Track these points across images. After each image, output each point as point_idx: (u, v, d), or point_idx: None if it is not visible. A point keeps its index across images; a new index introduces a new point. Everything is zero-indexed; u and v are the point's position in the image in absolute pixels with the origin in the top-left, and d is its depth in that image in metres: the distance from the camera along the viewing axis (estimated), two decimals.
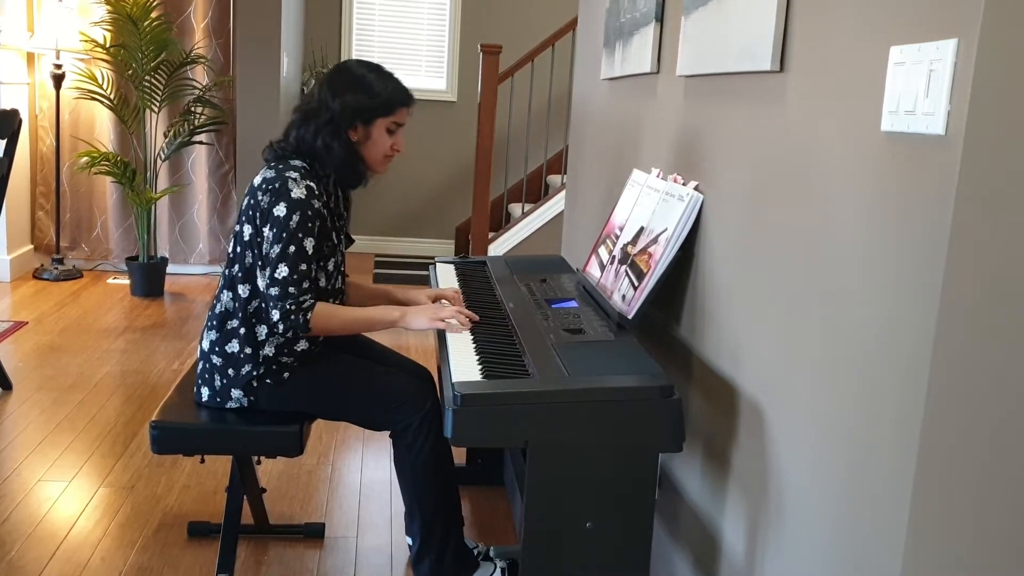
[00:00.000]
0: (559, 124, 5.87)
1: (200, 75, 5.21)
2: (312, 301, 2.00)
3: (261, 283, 2.02)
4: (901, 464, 1.16)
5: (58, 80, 5.02)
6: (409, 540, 2.19)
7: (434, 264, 2.77)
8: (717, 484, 1.83)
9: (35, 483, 2.68)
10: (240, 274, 2.06)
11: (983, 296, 1.09)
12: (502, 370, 1.79)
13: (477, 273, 2.68)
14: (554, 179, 5.72)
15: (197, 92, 5.10)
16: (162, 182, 5.30)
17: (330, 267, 2.10)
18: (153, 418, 2.05)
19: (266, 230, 1.99)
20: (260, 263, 2.02)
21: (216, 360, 2.07)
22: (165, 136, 5.09)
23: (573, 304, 2.21)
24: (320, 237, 2.02)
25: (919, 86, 1.12)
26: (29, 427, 3.08)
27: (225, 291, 2.08)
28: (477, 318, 2.11)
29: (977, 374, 1.11)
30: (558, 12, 5.94)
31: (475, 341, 1.97)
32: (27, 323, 4.30)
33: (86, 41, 4.94)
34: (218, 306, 2.08)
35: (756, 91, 1.68)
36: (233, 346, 2.06)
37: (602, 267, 2.28)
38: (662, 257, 1.92)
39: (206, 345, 2.09)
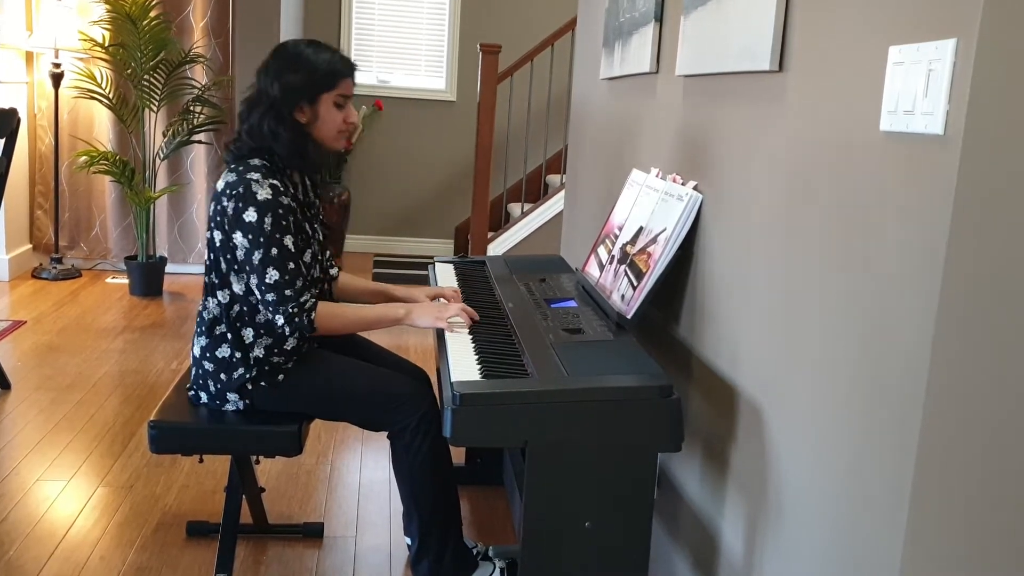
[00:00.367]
0: (558, 124, 5.87)
1: (199, 74, 5.20)
2: (313, 300, 2.00)
3: (238, 287, 2.01)
4: (900, 464, 1.16)
5: (57, 79, 5.02)
6: (408, 540, 2.19)
7: (433, 264, 2.77)
8: (716, 484, 1.83)
9: (34, 482, 2.68)
10: (218, 280, 2.04)
11: (982, 296, 1.09)
12: (501, 370, 1.79)
13: (476, 273, 2.68)
14: (553, 179, 5.72)
15: (196, 91, 5.09)
16: (161, 181, 5.30)
17: (307, 258, 2.05)
18: (152, 418, 2.05)
19: (239, 236, 1.95)
20: (235, 268, 2.00)
21: (208, 366, 2.06)
22: (164, 135, 5.09)
23: (572, 304, 2.21)
24: (296, 231, 2.00)
25: (918, 86, 1.12)
26: (28, 427, 3.07)
27: (209, 298, 2.06)
28: (478, 317, 2.11)
29: (976, 374, 1.11)
30: (557, 12, 5.94)
31: (474, 341, 1.97)
32: (26, 322, 4.29)
33: (85, 40, 4.93)
34: (205, 312, 2.07)
35: (755, 91, 1.68)
36: (224, 351, 2.05)
37: (601, 267, 2.28)
38: (661, 257, 1.92)
39: (197, 351, 2.09)
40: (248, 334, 2.04)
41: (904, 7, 1.19)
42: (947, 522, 1.15)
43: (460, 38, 6.25)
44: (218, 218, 1.99)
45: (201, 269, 5.47)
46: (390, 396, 2.07)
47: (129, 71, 4.90)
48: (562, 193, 4.97)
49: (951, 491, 1.14)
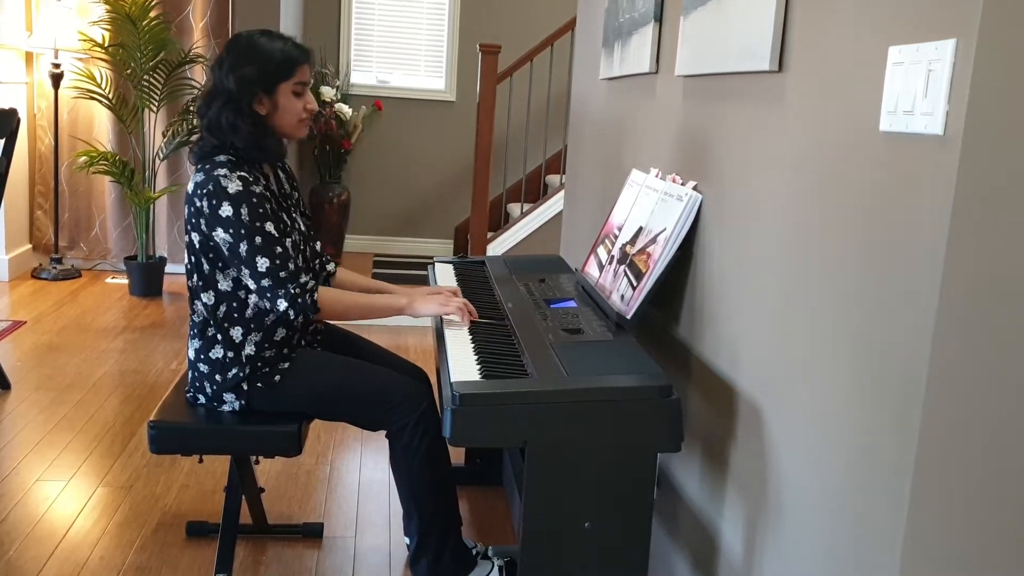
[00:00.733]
0: (558, 124, 5.86)
1: (199, 75, 5.20)
2: (314, 282, 2.00)
3: (224, 284, 2.01)
4: (900, 464, 1.16)
5: (56, 79, 5.02)
6: (407, 540, 2.19)
7: (433, 264, 2.77)
8: (716, 484, 1.83)
9: (33, 482, 2.68)
10: (201, 283, 2.04)
11: (981, 296, 1.09)
12: (501, 370, 1.79)
13: (476, 273, 2.68)
14: (553, 179, 5.72)
15: (196, 91, 5.09)
16: (161, 181, 5.30)
17: (288, 246, 2.05)
18: (151, 418, 2.05)
19: (220, 233, 1.94)
20: (219, 266, 2.00)
21: (204, 368, 2.06)
22: (164, 135, 5.09)
23: (572, 304, 2.21)
24: (274, 219, 1.99)
25: (918, 86, 1.12)
26: (27, 427, 3.07)
27: (196, 301, 2.06)
28: (477, 315, 2.12)
29: (976, 374, 1.11)
30: (557, 12, 5.93)
31: (474, 341, 1.97)
32: (25, 322, 4.29)
33: (84, 40, 4.93)
34: (195, 315, 2.07)
35: (755, 91, 1.68)
36: (216, 351, 2.05)
37: (601, 267, 2.28)
38: (661, 257, 1.92)
39: (192, 354, 2.09)
40: (237, 333, 2.04)
41: (904, 7, 1.19)
42: (947, 522, 1.15)
43: (460, 38, 6.25)
44: (194, 220, 1.98)
45: None
46: (388, 395, 2.06)
47: (129, 71, 4.90)
48: (562, 193, 4.97)
49: (951, 491, 1.14)
